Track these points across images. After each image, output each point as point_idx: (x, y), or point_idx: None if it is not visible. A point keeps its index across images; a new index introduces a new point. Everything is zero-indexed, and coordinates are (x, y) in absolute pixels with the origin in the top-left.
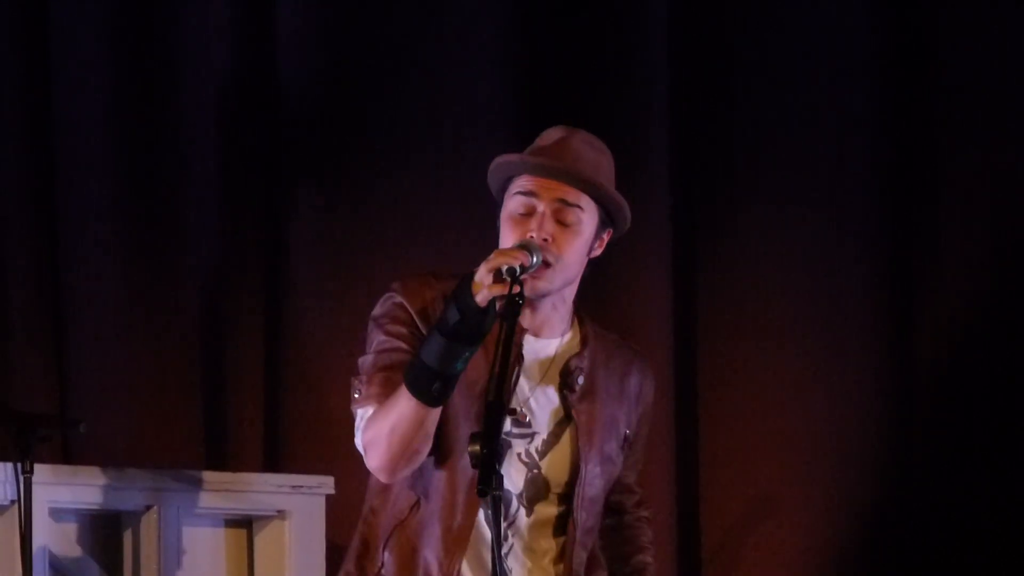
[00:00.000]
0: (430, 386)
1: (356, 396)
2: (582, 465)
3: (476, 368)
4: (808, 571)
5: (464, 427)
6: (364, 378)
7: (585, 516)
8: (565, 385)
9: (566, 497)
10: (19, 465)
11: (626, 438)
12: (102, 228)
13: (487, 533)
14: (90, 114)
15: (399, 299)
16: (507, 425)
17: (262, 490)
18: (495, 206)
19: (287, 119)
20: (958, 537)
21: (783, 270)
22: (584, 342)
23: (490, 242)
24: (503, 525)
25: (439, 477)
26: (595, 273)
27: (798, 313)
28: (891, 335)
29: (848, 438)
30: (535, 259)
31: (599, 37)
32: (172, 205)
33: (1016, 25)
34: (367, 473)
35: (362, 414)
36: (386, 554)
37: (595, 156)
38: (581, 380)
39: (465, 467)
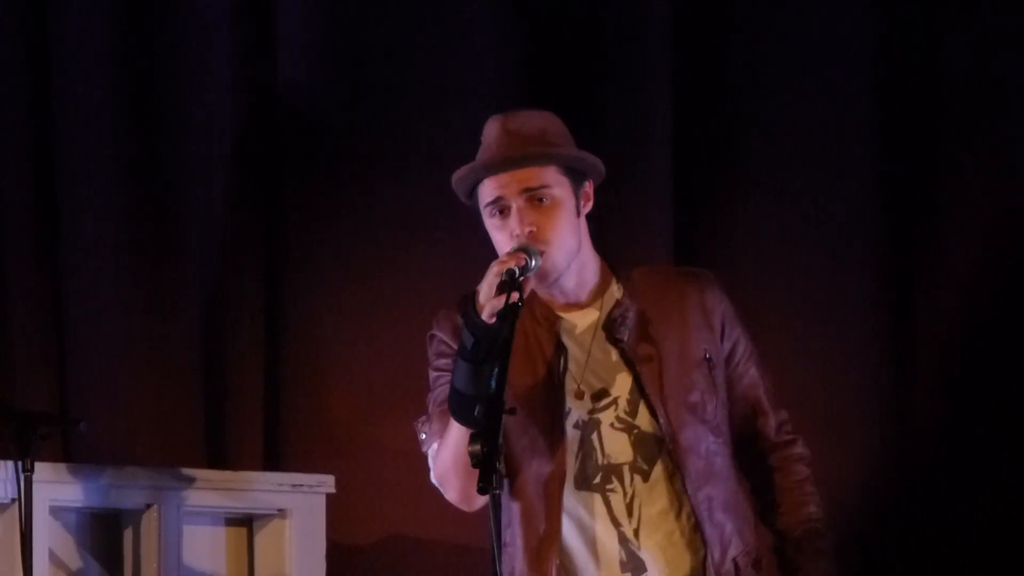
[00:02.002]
0: (472, 411)
1: (423, 438)
2: (658, 407)
3: (523, 375)
4: None
5: (523, 438)
6: (424, 418)
7: (695, 460)
8: (612, 338)
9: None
10: (20, 463)
11: (708, 361)
12: (102, 229)
13: (579, 539)
14: (90, 114)
15: (434, 332)
16: (587, 403)
17: (262, 489)
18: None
19: (287, 121)
20: (958, 536)
21: (783, 269)
22: (626, 291)
23: (490, 243)
24: (624, 500)
25: (513, 491)
26: None
27: (798, 312)
28: (892, 334)
29: (849, 437)
30: (534, 263)
31: (600, 33)
32: (172, 205)
33: (1016, 25)
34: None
35: (431, 454)
36: None
37: (537, 126)
38: (626, 326)
39: (536, 476)
